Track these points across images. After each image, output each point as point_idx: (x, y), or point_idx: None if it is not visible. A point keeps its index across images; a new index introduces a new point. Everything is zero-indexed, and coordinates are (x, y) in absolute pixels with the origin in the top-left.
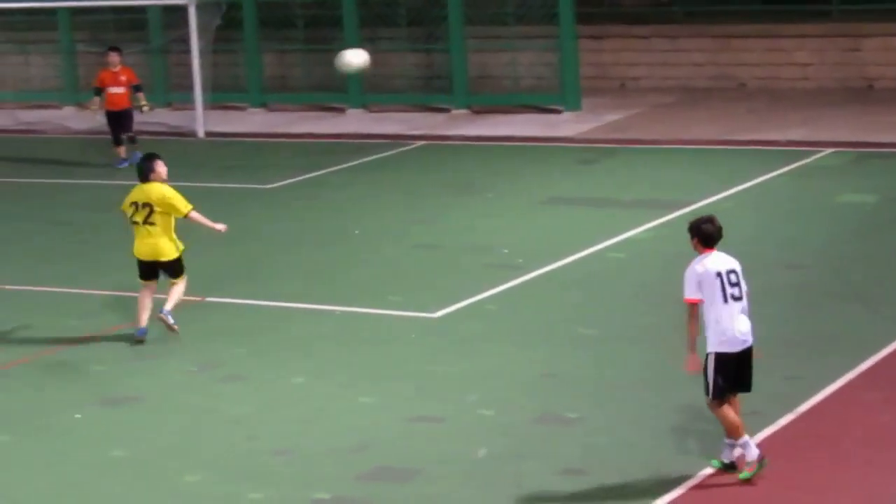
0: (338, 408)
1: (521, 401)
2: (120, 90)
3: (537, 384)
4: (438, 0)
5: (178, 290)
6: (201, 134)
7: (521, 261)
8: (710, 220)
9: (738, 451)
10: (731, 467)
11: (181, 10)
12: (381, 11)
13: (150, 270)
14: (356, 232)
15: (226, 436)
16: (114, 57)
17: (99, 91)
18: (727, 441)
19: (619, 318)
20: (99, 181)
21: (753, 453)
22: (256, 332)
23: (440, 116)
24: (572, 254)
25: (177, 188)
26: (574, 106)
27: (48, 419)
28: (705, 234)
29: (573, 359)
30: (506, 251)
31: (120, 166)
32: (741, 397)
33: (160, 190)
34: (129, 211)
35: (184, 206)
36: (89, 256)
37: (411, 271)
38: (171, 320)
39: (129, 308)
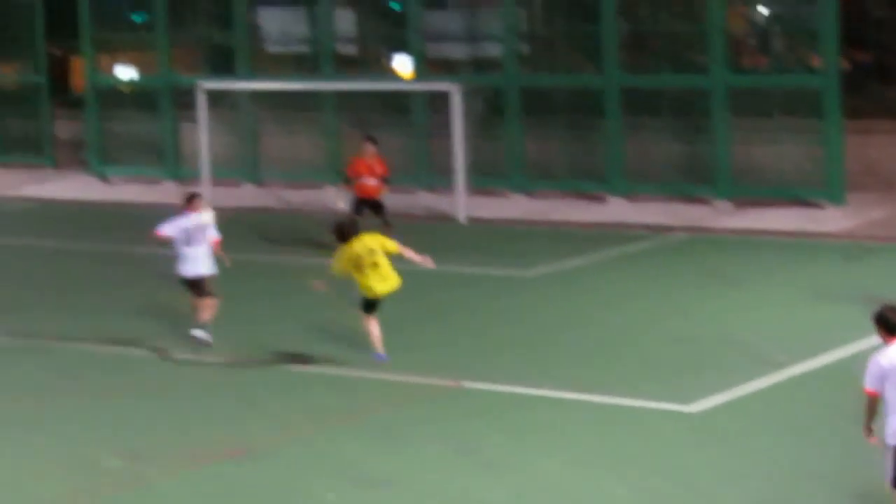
0: (591, 499)
1: (783, 500)
2: (373, 181)
3: (800, 484)
4: (703, 90)
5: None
6: (462, 219)
7: (782, 356)
8: (894, 309)
9: None
10: None
11: (446, 95)
12: (644, 100)
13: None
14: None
15: None
16: (370, 147)
17: (349, 180)
18: None
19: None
20: None
21: None
22: (510, 418)
23: (702, 207)
24: (835, 351)
25: (438, 273)
26: (839, 201)
27: (302, 499)
28: (892, 324)
29: (836, 458)
30: (767, 346)
31: None
32: None
33: (374, 237)
34: (361, 260)
35: (393, 244)
36: (353, 335)
37: (668, 363)
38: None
39: (387, 390)
